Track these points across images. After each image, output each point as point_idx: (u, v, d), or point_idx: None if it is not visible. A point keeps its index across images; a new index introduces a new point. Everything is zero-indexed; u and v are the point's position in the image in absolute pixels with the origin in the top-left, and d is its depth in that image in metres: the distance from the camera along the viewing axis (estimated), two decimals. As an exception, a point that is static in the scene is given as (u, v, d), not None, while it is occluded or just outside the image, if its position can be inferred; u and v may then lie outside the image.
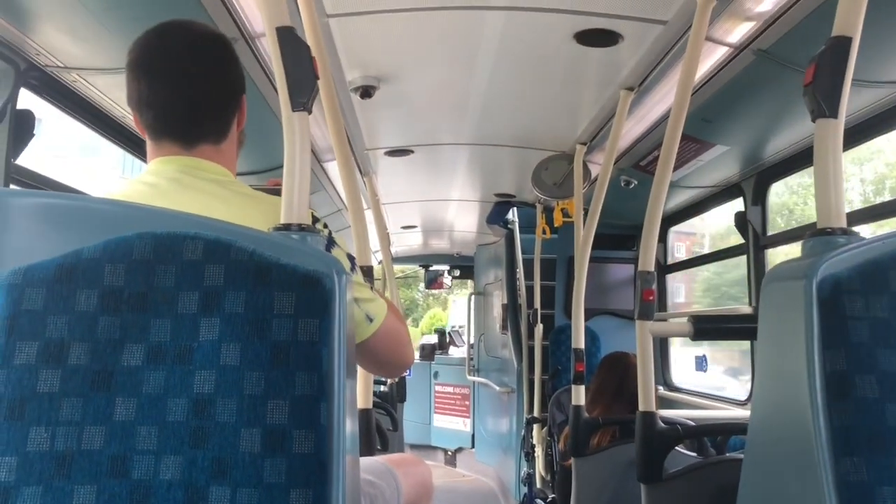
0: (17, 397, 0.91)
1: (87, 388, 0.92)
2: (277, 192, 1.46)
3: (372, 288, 1.39)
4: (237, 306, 0.95)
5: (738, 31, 2.17)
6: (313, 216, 1.24)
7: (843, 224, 1.10)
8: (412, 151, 3.82)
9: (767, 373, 1.16)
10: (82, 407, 0.92)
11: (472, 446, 7.64)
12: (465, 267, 8.39)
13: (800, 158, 3.05)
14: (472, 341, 7.74)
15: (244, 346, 0.93)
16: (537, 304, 4.89)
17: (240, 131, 1.39)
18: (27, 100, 2.04)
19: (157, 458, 0.90)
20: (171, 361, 0.93)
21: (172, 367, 0.93)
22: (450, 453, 8.16)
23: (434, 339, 9.06)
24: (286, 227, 1.06)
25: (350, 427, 0.98)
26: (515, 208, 5.29)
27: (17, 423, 0.90)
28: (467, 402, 7.85)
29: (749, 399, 3.60)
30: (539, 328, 4.85)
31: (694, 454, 2.41)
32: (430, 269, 9.01)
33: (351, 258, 1.31)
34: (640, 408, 1.96)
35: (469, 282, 8.75)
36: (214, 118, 1.32)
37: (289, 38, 1.09)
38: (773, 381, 1.14)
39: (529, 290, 5.18)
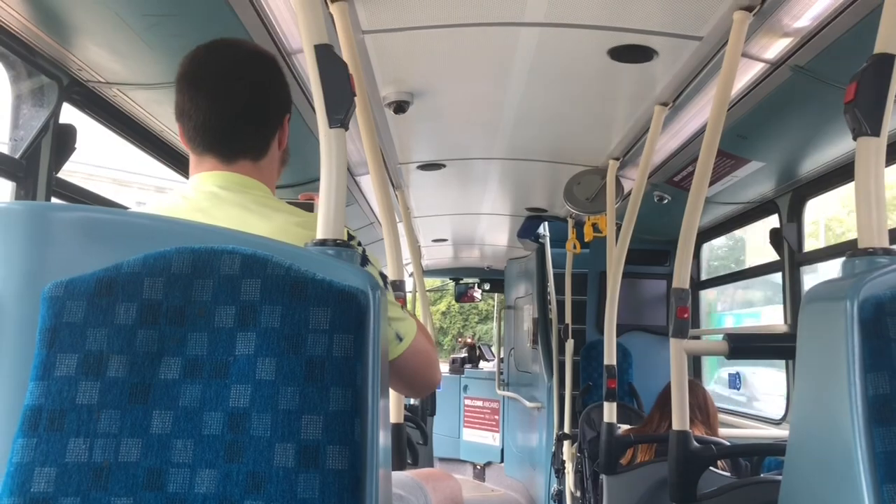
0: (58, 409, 0.92)
1: (125, 401, 0.93)
2: (310, 207, 1.47)
3: (403, 307, 1.39)
4: (273, 321, 0.95)
5: (775, 48, 2.14)
6: (348, 233, 1.25)
7: (886, 244, 1.08)
8: (444, 165, 3.83)
9: (806, 394, 1.14)
10: (120, 419, 0.93)
11: (502, 461, 7.60)
12: (495, 280, 8.38)
13: (837, 175, 3.01)
14: (501, 355, 7.71)
15: (279, 361, 0.94)
16: (568, 319, 4.86)
17: (282, 150, 1.40)
18: (69, 114, 2.09)
19: (193, 472, 0.91)
20: (207, 375, 0.94)
21: (209, 380, 0.94)
22: (479, 467, 8.12)
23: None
24: (322, 243, 1.07)
25: (383, 442, 0.98)
26: (546, 223, 5.28)
27: (57, 434, 0.91)
28: (497, 417, 7.81)
29: (784, 418, 3.54)
30: (570, 343, 4.82)
31: (728, 474, 2.38)
32: (461, 282, 9.01)
33: (383, 276, 1.31)
34: (674, 426, 1.94)
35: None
36: (254, 135, 1.34)
37: (327, 56, 1.10)
38: (813, 403, 1.12)
39: (560, 304, 5.15)
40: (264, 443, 0.91)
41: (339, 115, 1.09)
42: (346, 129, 1.12)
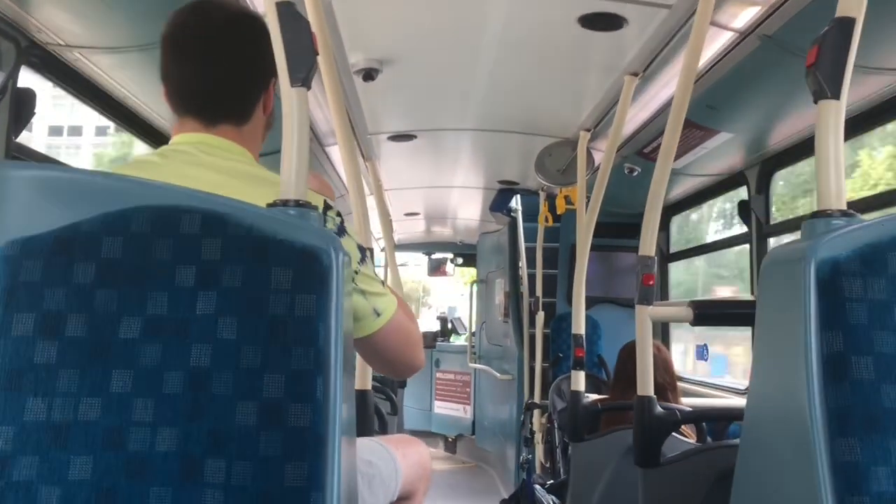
0: (15, 368, 0.91)
1: (85, 360, 0.92)
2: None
3: (384, 284, 1.38)
4: (234, 281, 0.95)
5: (744, 16, 2.15)
6: (327, 203, 1.23)
7: (844, 206, 1.10)
8: (415, 136, 3.81)
9: (765, 355, 1.16)
10: (79, 378, 0.92)
11: (473, 433, 7.66)
12: (467, 255, 8.40)
13: (805, 147, 3.04)
14: (473, 329, 7.75)
15: (241, 321, 0.93)
16: (539, 292, 4.89)
17: (268, 114, 1.37)
18: (29, 79, 2.04)
19: (154, 431, 0.90)
20: (168, 334, 0.93)
21: (169, 339, 0.93)
22: (450, 440, 8.18)
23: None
24: (284, 203, 1.06)
25: (347, 401, 0.98)
26: (518, 196, 5.28)
27: (15, 393, 0.90)
28: (468, 389, 7.86)
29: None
30: (540, 316, 4.85)
31: (692, 441, 2.42)
32: (433, 256, 9.02)
33: (362, 249, 1.30)
34: (639, 392, 1.96)
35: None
36: (236, 98, 1.31)
37: (288, 13, 1.08)
38: (771, 364, 1.13)
39: (531, 278, 5.18)
40: (226, 401, 0.91)
41: (301, 73, 1.08)
42: (308, 88, 1.10)
